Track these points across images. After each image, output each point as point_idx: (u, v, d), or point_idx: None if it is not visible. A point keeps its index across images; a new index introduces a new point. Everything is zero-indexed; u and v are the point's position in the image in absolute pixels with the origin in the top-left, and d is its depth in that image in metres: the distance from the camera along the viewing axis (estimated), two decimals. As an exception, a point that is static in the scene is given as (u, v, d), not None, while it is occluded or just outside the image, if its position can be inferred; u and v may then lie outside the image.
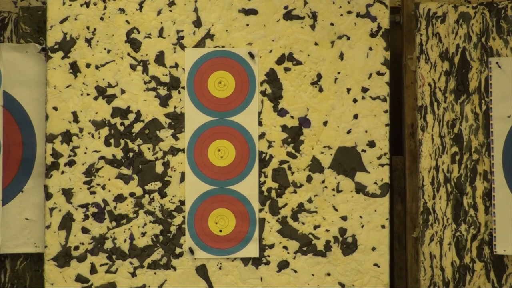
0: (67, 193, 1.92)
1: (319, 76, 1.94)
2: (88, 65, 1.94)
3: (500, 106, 1.92)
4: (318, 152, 1.93)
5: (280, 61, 1.94)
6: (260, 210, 1.92)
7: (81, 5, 1.95)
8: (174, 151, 1.93)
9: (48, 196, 1.92)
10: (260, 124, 1.94)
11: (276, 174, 1.93)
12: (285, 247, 1.92)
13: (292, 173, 1.93)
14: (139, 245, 1.92)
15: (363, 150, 1.93)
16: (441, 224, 1.93)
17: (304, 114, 1.94)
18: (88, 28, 1.95)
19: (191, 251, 1.92)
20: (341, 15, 1.95)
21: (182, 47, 1.95)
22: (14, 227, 1.95)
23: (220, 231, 1.92)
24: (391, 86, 1.95)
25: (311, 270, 1.91)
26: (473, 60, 1.95)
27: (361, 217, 1.92)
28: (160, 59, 1.95)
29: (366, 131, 1.93)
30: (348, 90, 1.94)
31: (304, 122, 1.93)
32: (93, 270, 1.92)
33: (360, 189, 1.92)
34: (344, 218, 1.92)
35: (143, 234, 1.92)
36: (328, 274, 1.91)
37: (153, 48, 1.95)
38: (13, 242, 1.95)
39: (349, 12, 1.95)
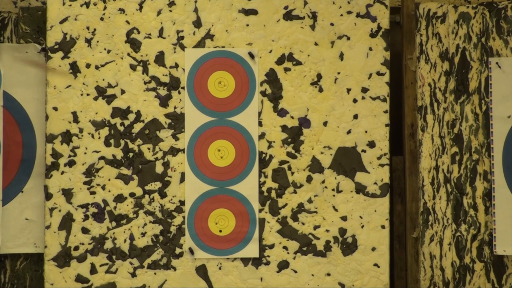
0: (67, 193, 1.92)
1: (319, 76, 1.94)
2: (88, 65, 1.94)
3: (500, 106, 1.92)
4: (318, 152, 1.93)
5: (280, 61, 1.94)
6: (260, 210, 1.92)
7: (81, 5, 1.95)
8: (174, 151, 1.93)
9: (48, 196, 1.92)
10: (260, 124, 1.94)
11: (276, 174, 1.93)
12: (285, 247, 1.92)
13: (292, 173, 1.93)
14: (139, 245, 1.92)
15: (363, 150, 1.93)
16: (441, 224, 1.93)
17: (304, 114, 1.94)
18: (88, 28, 1.95)
19: (191, 251, 1.92)
20: (341, 15, 1.95)
21: (182, 47, 1.95)
22: (14, 227, 1.95)
23: (220, 231, 1.92)
24: (391, 86, 1.95)
25: (311, 270, 1.91)
26: (473, 60, 1.95)
27: (361, 217, 1.92)
28: (160, 59, 1.95)
29: (366, 131, 1.93)
30: (348, 90, 1.94)
31: (304, 122, 1.93)
32: (93, 270, 1.92)
33: (360, 189, 1.92)
34: (344, 218, 1.92)
35: (143, 234, 1.92)
36: (328, 274, 1.91)
37: (153, 48, 1.95)
38: (13, 242, 1.95)
39: (349, 12, 1.95)
